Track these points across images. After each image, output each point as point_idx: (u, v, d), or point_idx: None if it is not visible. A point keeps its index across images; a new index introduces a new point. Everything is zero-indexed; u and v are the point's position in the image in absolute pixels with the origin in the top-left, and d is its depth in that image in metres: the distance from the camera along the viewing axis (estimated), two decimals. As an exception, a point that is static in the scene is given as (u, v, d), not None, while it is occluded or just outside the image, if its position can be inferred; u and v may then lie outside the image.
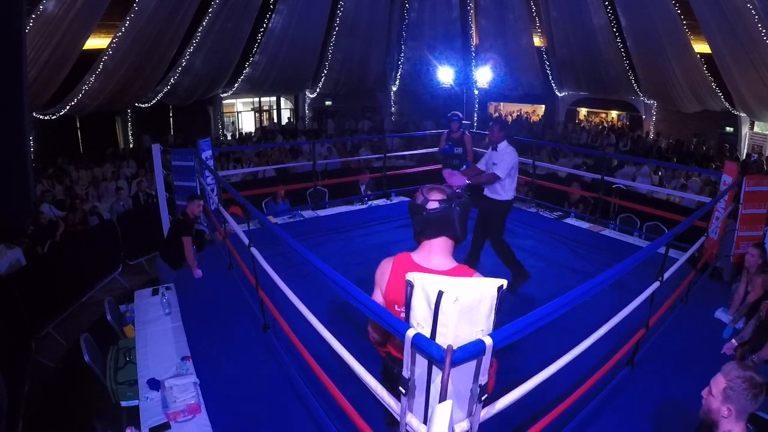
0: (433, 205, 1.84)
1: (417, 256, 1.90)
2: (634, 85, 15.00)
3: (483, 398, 1.63)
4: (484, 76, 15.58)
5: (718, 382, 1.78)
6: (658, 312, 3.42)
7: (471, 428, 1.66)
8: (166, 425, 2.75)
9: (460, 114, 6.07)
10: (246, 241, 3.56)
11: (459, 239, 1.90)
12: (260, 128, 18.52)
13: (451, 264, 1.88)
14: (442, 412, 1.43)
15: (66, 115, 12.12)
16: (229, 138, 17.10)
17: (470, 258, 4.73)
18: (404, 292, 1.67)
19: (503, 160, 4.36)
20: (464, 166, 5.68)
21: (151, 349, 3.53)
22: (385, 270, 1.95)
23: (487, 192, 4.60)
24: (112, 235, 7.20)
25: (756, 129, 14.03)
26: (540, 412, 2.70)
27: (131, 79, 12.33)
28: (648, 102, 15.75)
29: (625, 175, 10.04)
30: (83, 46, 10.89)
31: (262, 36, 14.86)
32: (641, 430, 2.78)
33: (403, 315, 1.76)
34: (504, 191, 4.48)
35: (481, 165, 4.72)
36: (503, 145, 4.45)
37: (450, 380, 1.45)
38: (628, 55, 14.22)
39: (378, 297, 1.98)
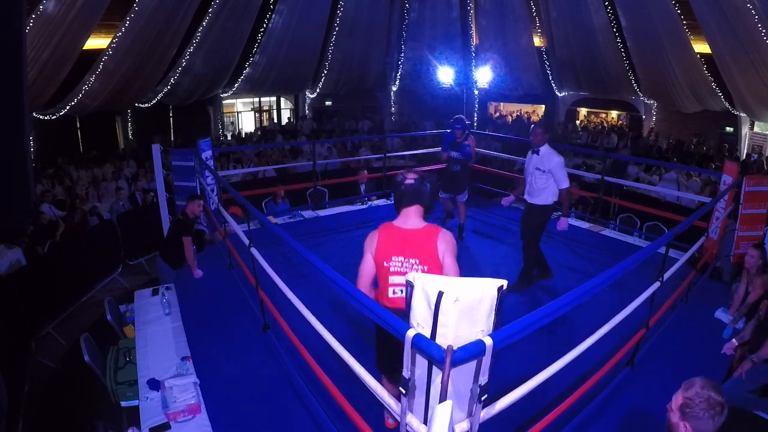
0: (409, 181, 2.42)
1: (397, 222, 2.45)
2: (634, 85, 14.99)
3: (483, 398, 1.63)
4: (484, 76, 15.57)
5: (677, 398, 1.73)
6: (659, 312, 3.42)
7: (471, 428, 1.67)
8: (166, 425, 2.75)
9: (464, 119, 5.74)
10: (246, 241, 3.56)
11: (429, 208, 2.46)
12: (260, 128, 18.52)
13: (422, 224, 2.42)
14: (442, 412, 1.43)
15: (66, 115, 12.11)
16: (230, 138, 17.09)
17: (527, 263, 4.64)
18: (392, 250, 2.35)
19: (554, 170, 4.17)
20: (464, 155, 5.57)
21: (151, 349, 3.53)
22: (372, 237, 2.46)
23: (527, 197, 4.44)
24: (112, 235, 7.20)
25: (756, 129, 14.02)
26: (540, 412, 2.71)
27: (131, 79, 12.33)
28: (648, 102, 15.75)
29: (626, 175, 10.04)
30: (83, 46, 10.87)
31: (262, 36, 14.85)
32: (641, 430, 2.78)
33: (391, 269, 2.36)
34: (545, 196, 4.31)
35: (525, 173, 4.60)
36: (545, 149, 4.26)
37: (450, 380, 1.45)
38: (628, 55, 14.21)
39: (368, 261, 2.44)
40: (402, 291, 2.31)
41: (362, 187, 7.65)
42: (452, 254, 2.32)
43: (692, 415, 1.67)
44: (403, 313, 1.86)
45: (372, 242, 2.42)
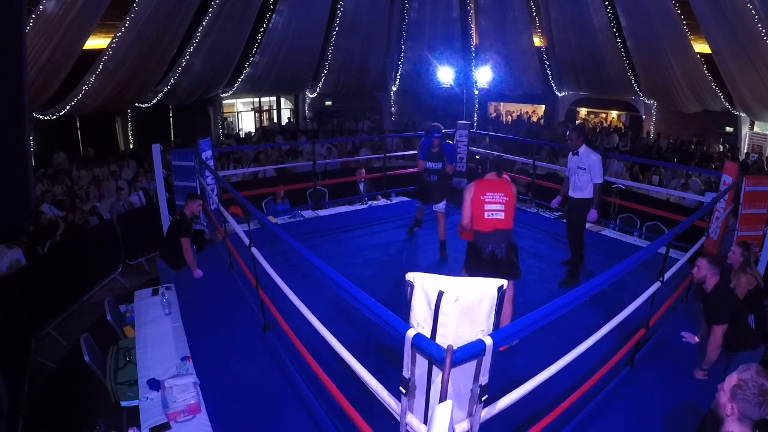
0: (492, 158, 4.12)
1: (486, 177, 3.62)
2: (634, 85, 15.00)
3: (483, 398, 1.63)
4: (484, 76, 15.58)
5: (731, 379, 1.77)
6: (658, 312, 3.42)
7: (471, 428, 1.67)
8: (166, 425, 2.75)
9: (441, 127, 5.45)
10: (246, 241, 3.56)
11: (501, 173, 3.72)
12: (260, 128, 18.52)
13: (496, 177, 3.65)
14: (442, 412, 1.43)
15: (66, 115, 12.12)
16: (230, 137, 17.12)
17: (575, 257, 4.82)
18: (486, 190, 3.49)
19: (592, 166, 4.57)
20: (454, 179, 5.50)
21: (151, 349, 3.53)
22: (470, 188, 3.55)
23: (572, 193, 4.78)
24: (112, 235, 7.20)
25: (756, 129, 14.03)
26: (540, 412, 2.70)
27: (131, 79, 12.32)
28: (648, 102, 15.75)
29: (617, 174, 10.02)
30: (83, 46, 10.87)
31: (262, 36, 14.85)
32: (641, 429, 2.78)
33: (486, 200, 3.48)
34: (588, 191, 4.67)
35: (567, 172, 4.92)
36: (584, 149, 4.67)
37: (450, 380, 1.45)
38: (628, 55, 14.22)
39: (467, 204, 3.53)
40: (494, 214, 3.48)
41: (361, 187, 7.66)
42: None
43: (742, 397, 1.70)
44: (496, 232, 3.46)
45: (470, 191, 3.53)
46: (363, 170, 7.84)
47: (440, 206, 5.34)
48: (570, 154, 4.82)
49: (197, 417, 2.81)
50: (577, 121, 18.56)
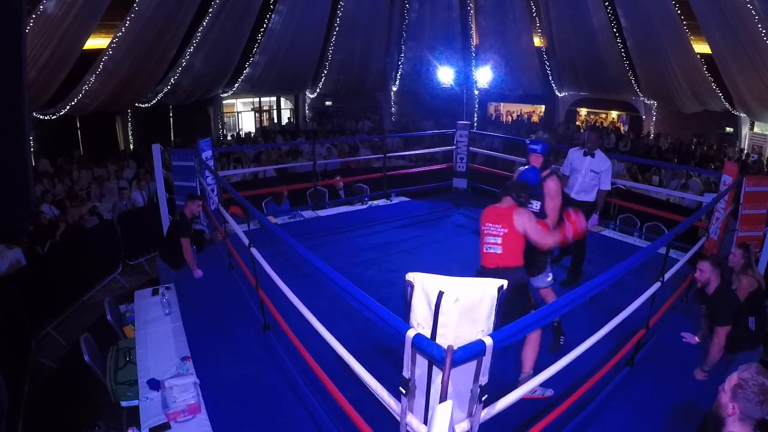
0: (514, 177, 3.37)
1: (493, 206, 3.16)
2: (634, 85, 15.00)
3: (483, 398, 1.63)
4: (484, 76, 15.58)
5: (732, 378, 1.78)
6: (658, 312, 3.42)
7: (471, 428, 1.67)
8: (166, 425, 2.75)
9: (545, 136, 3.65)
10: (246, 241, 3.56)
11: (519, 202, 3.14)
12: (260, 128, 18.52)
13: (510, 203, 3.09)
14: (442, 412, 1.43)
15: (66, 115, 12.11)
16: (229, 138, 17.10)
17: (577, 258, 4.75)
18: (487, 220, 3.03)
19: (606, 172, 4.53)
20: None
21: (151, 349, 3.53)
22: (482, 214, 3.18)
23: (575, 195, 4.68)
24: (112, 235, 7.20)
25: (756, 129, 14.03)
26: (540, 412, 2.71)
27: (131, 79, 12.32)
28: (648, 102, 15.75)
29: (617, 174, 9.99)
30: (83, 46, 10.88)
31: (262, 36, 14.86)
32: (641, 429, 2.78)
33: (485, 232, 3.01)
34: (593, 194, 4.64)
35: (564, 169, 4.77)
36: (600, 153, 4.60)
37: (450, 380, 1.45)
38: (628, 55, 14.22)
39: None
40: (491, 248, 3.00)
41: (341, 193, 7.91)
42: (532, 223, 2.96)
43: (743, 396, 1.71)
44: (497, 271, 2.87)
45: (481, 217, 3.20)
46: (338, 177, 8.16)
47: (544, 280, 3.32)
48: (581, 153, 4.65)
49: (197, 417, 2.81)
50: (577, 122, 18.57)
